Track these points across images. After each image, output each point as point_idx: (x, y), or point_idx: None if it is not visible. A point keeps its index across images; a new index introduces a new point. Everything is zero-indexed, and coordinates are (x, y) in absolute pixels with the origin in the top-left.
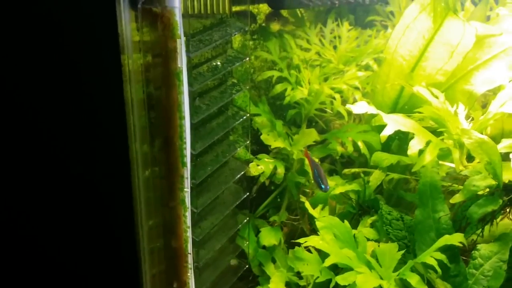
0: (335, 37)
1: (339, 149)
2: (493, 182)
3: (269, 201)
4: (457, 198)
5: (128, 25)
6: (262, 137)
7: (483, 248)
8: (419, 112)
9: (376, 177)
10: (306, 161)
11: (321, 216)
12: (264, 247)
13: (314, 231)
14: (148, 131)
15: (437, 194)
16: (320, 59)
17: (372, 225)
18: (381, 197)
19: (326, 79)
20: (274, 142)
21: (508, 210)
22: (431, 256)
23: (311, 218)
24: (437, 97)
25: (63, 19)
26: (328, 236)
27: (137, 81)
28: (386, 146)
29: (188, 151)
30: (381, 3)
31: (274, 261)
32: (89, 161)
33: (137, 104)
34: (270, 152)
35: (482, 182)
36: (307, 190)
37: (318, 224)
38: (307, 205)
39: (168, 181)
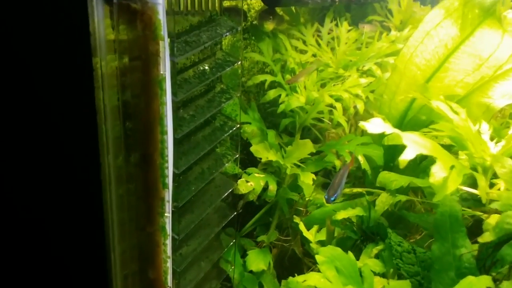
0: (333, 38)
1: (337, 162)
2: None
3: (257, 218)
4: (487, 237)
5: (101, 22)
6: (252, 148)
7: (505, 287)
8: (434, 129)
9: (383, 201)
10: (301, 177)
11: (316, 239)
12: (251, 272)
13: (307, 253)
14: (123, 143)
15: (458, 226)
16: None
17: (377, 255)
18: (382, 218)
19: (323, 85)
20: (265, 154)
21: None
22: None
23: (304, 239)
24: (457, 113)
25: (25, 14)
26: (330, 272)
27: (111, 87)
28: (389, 161)
29: (170, 170)
30: (381, 1)
31: (261, 287)
32: (55, 173)
33: (110, 112)
34: (259, 164)
35: None
36: (301, 208)
37: (318, 258)
38: (301, 226)
39: (146, 203)
